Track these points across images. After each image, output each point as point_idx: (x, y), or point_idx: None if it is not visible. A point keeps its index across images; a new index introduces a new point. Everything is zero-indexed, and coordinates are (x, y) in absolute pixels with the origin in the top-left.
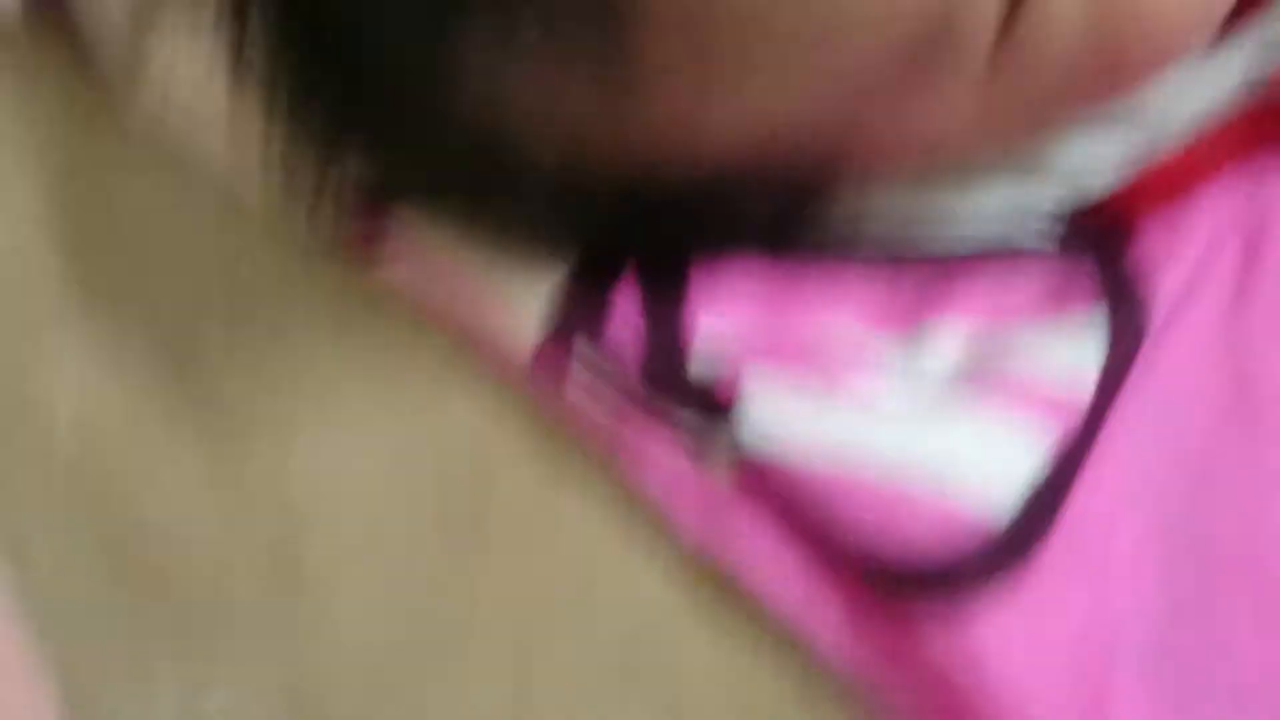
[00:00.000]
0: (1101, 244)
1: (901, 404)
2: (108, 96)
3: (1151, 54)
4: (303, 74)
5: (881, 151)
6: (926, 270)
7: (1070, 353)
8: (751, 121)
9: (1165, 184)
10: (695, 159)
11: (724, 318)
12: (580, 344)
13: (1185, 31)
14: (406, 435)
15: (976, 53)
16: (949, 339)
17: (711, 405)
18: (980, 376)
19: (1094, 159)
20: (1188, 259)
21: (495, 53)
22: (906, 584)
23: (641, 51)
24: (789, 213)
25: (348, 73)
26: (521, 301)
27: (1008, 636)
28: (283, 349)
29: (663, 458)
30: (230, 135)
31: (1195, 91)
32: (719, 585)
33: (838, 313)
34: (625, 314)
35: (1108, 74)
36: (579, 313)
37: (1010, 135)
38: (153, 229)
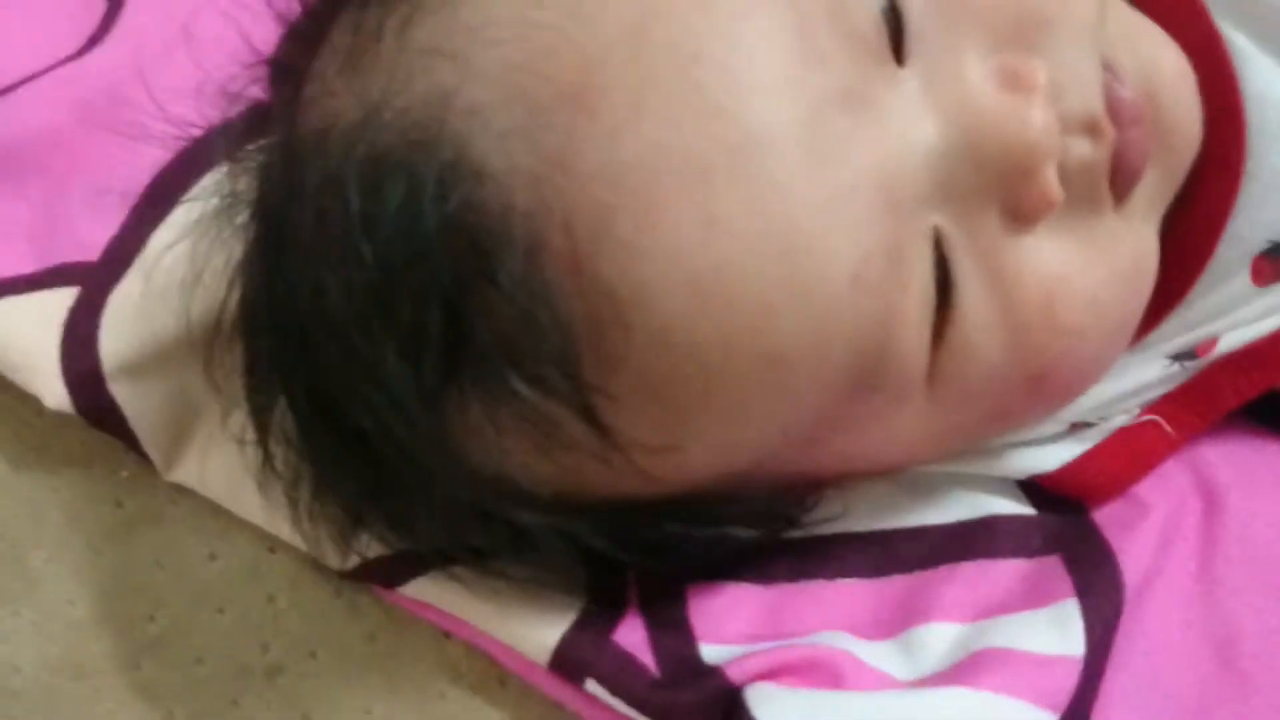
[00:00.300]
0: (1067, 529)
1: (902, 686)
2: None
3: (1073, 368)
4: (320, 470)
5: (848, 468)
6: (907, 579)
7: (1055, 636)
8: (722, 455)
9: (1118, 464)
10: (677, 489)
11: (725, 644)
12: (591, 679)
13: (1103, 344)
14: None
15: (912, 380)
16: (938, 641)
17: None
18: (974, 663)
19: (1043, 455)
20: (1151, 528)
21: (486, 433)
22: None
23: (615, 423)
24: (772, 528)
25: (360, 468)
26: (534, 640)
27: None
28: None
29: None
30: (263, 502)
31: (1128, 380)
32: None
33: (830, 626)
34: (630, 650)
35: (1035, 388)
36: (588, 650)
37: (960, 444)
38: (192, 581)
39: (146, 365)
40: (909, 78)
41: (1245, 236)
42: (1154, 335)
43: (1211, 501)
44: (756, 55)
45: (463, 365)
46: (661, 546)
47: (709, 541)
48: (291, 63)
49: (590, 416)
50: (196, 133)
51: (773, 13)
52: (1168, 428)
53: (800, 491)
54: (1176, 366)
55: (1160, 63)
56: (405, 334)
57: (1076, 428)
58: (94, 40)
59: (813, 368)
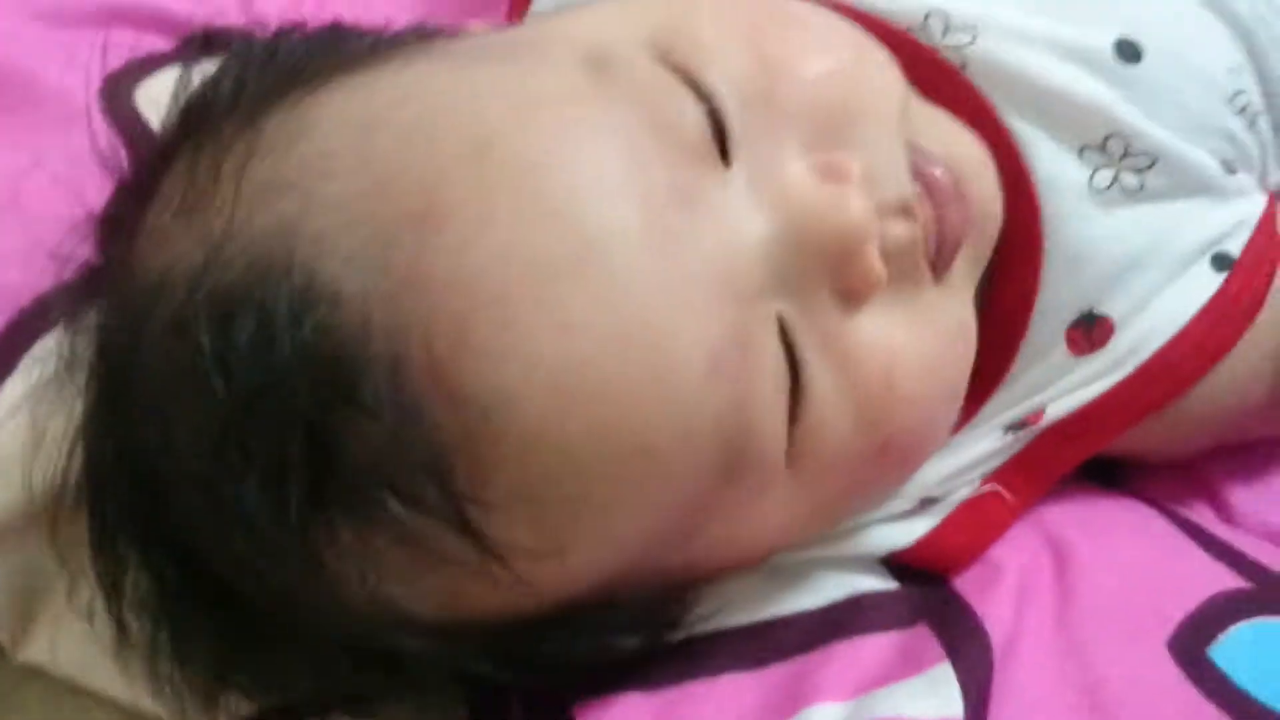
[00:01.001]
0: (931, 598)
1: None
2: None
3: (916, 432)
4: (179, 632)
5: (721, 560)
6: (787, 665)
7: (936, 699)
8: (601, 555)
9: (968, 534)
10: (559, 599)
11: None
12: None
13: (939, 407)
14: None
15: (775, 461)
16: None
17: None
18: None
19: (897, 532)
20: (1008, 588)
21: (360, 560)
22: None
23: (493, 531)
24: (654, 632)
25: (223, 623)
26: None
27: None
28: None
29: None
30: (121, 672)
31: (967, 454)
32: None
33: None
34: None
35: (884, 456)
36: None
37: (824, 524)
38: None
39: None
40: (735, 176)
41: (1054, 310)
42: (985, 411)
43: (1060, 556)
44: (590, 163)
45: (330, 492)
46: (545, 664)
47: (592, 653)
48: (123, 218)
49: (467, 528)
50: (24, 302)
51: (601, 126)
52: (1008, 495)
53: (677, 590)
54: (1010, 437)
55: (960, 147)
56: (265, 467)
57: (925, 503)
58: None
59: (680, 457)
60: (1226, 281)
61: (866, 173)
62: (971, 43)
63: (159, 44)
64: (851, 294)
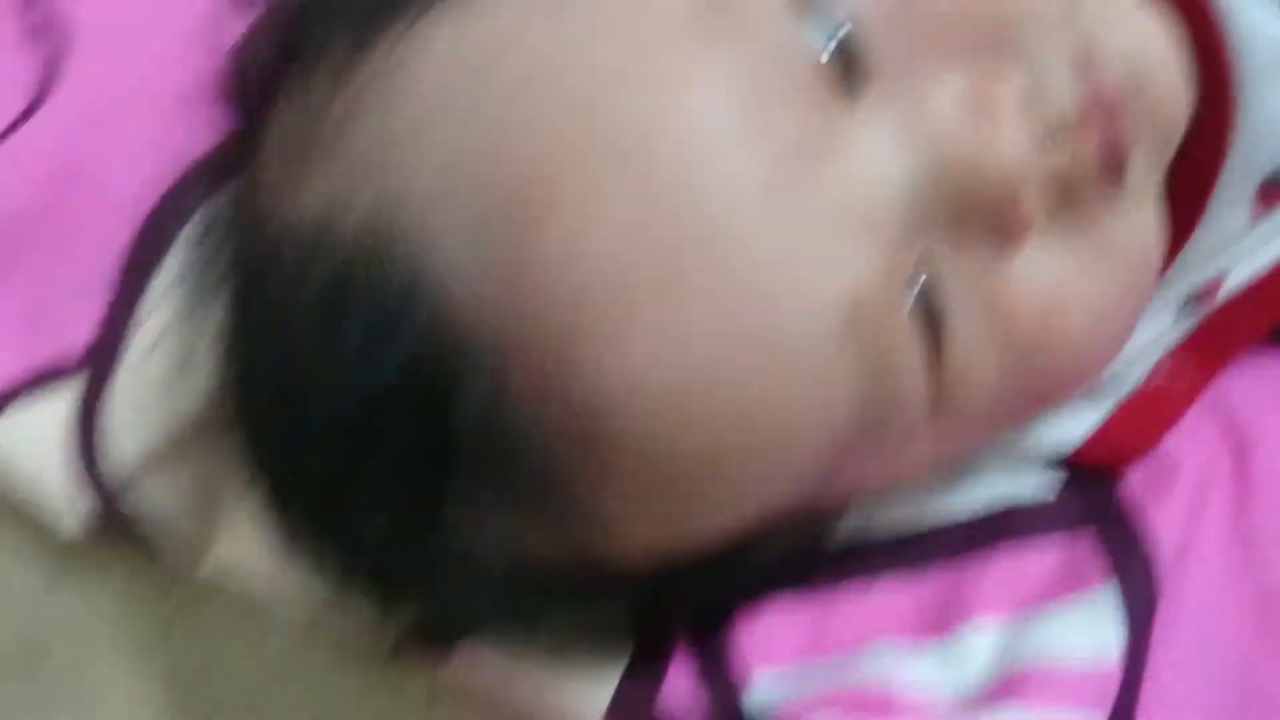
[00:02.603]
0: (1098, 505)
1: (948, 709)
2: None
3: (1076, 376)
4: (340, 556)
5: (861, 490)
6: (945, 572)
7: (1094, 631)
8: (730, 523)
9: (1141, 424)
10: (691, 557)
11: (775, 666)
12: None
13: (1106, 347)
14: None
15: (916, 414)
16: (981, 641)
17: None
18: (1018, 677)
19: (1064, 428)
20: (1182, 491)
21: (487, 540)
22: None
23: (613, 525)
24: (801, 547)
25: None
26: (583, 693)
27: None
28: None
29: None
30: (291, 588)
31: (1142, 334)
32: None
33: (877, 633)
34: (682, 686)
35: (1039, 399)
36: (640, 693)
37: (970, 451)
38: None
39: (167, 456)
40: (871, 111)
41: (1242, 172)
42: (1161, 282)
43: (1243, 445)
44: (704, 122)
45: (450, 486)
46: (688, 597)
47: (738, 582)
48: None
49: (589, 525)
50: (154, 200)
51: (715, 75)
52: (1187, 378)
53: (821, 518)
54: (1188, 310)
55: (1144, 39)
56: (381, 476)
57: (1095, 395)
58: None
59: (816, 429)
60: None
61: (1027, 89)
62: None
63: None
64: (1007, 236)
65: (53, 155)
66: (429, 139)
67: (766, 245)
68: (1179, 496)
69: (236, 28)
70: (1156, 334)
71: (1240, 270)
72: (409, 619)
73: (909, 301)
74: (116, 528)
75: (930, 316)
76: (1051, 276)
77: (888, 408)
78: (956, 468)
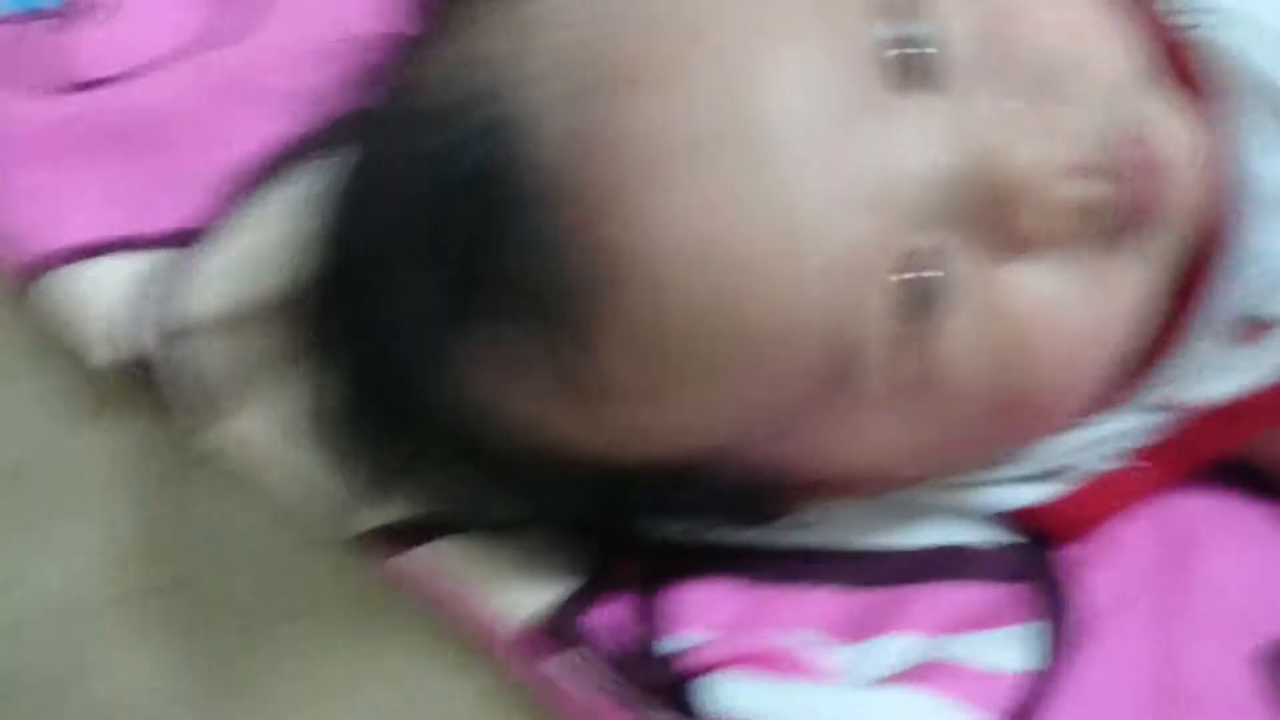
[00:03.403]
0: (1036, 561)
1: (852, 684)
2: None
3: (1048, 399)
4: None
5: (819, 471)
6: (883, 594)
7: (1007, 654)
8: (697, 421)
9: (1090, 508)
10: (653, 455)
11: (702, 629)
12: (569, 638)
13: (1081, 378)
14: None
15: (881, 383)
16: (899, 648)
17: (683, 703)
18: (921, 669)
19: (1017, 493)
20: (1118, 565)
21: (484, 363)
22: None
23: (604, 368)
24: (749, 519)
25: (375, 395)
26: (525, 598)
27: None
28: (309, 636)
29: None
30: (291, 469)
31: (1106, 428)
32: None
33: (803, 624)
34: (613, 612)
35: (1008, 414)
36: (574, 607)
37: (930, 468)
38: (220, 534)
39: (217, 326)
40: (936, 106)
41: (1226, 302)
42: (1135, 388)
43: (1182, 546)
44: (787, 60)
45: (474, 298)
46: (640, 509)
47: (687, 524)
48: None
49: (582, 356)
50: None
51: (812, 32)
52: (1145, 476)
53: (774, 490)
54: (1151, 417)
55: (1181, 136)
56: (427, 262)
57: (1053, 471)
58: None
59: (788, 347)
60: None
61: (1071, 131)
62: (1213, 25)
63: None
64: (1013, 241)
65: (237, 70)
66: (555, 23)
67: (798, 171)
68: (1116, 570)
69: None
70: (1121, 431)
71: (1211, 391)
72: (386, 510)
73: (897, 275)
74: (146, 376)
75: (922, 299)
76: (1044, 291)
77: (854, 361)
78: (911, 500)
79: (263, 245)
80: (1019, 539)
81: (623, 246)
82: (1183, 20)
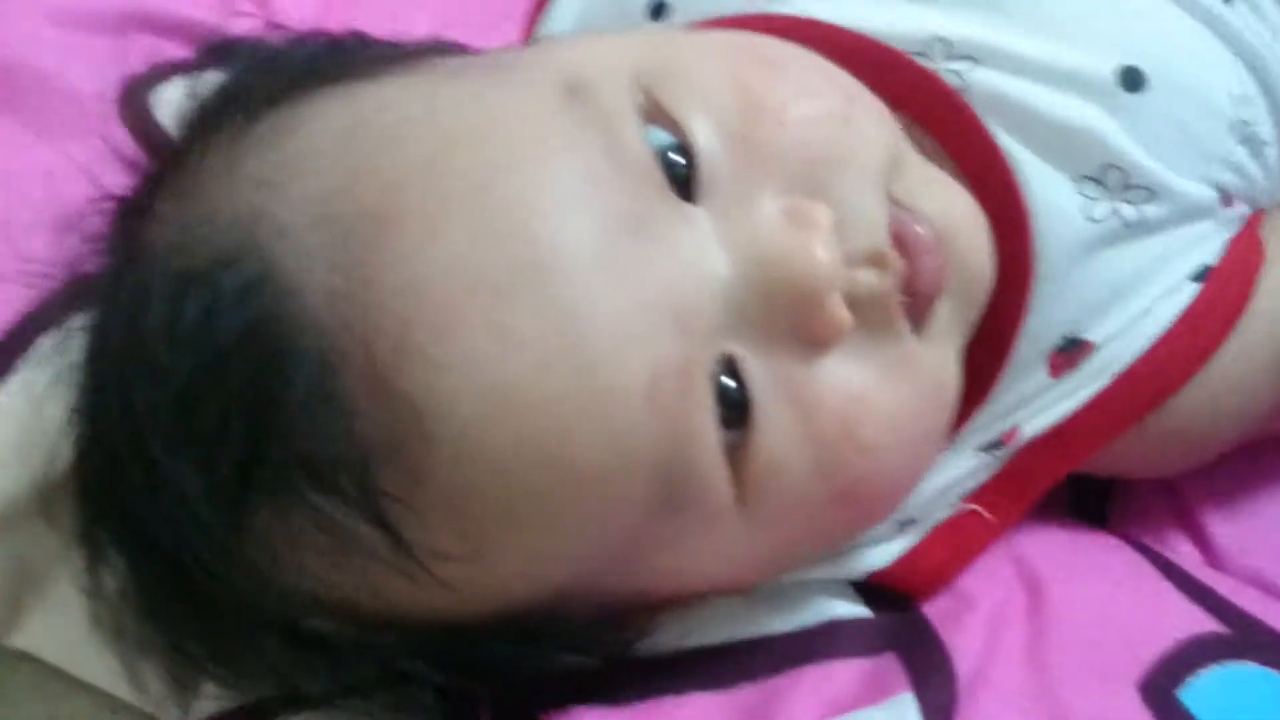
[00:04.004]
0: (901, 627)
1: None
2: None
3: (880, 484)
4: (144, 607)
5: (678, 588)
6: (756, 689)
7: None
8: (531, 569)
9: (944, 555)
10: (490, 606)
11: None
12: None
13: (906, 459)
14: None
15: (717, 499)
16: None
17: None
18: None
19: (874, 554)
20: (979, 620)
21: (285, 544)
22: None
23: (415, 533)
24: (606, 653)
25: (176, 598)
26: None
27: None
28: None
29: None
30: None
31: (943, 476)
32: None
33: None
34: None
35: (846, 504)
36: None
37: (788, 563)
38: None
39: None
40: (701, 214)
41: (1041, 334)
42: (963, 431)
43: (1035, 591)
44: (544, 180)
45: (258, 472)
46: (489, 672)
47: (541, 667)
48: (127, 209)
49: (384, 524)
50: (45, 286)
51: (562, 146)
52: (987, 515)
53: (632, 614)
54: (987, 456)
55: (952, 206)
56: (201, 443)
57: (903, 525)
58: None
59: (611, 479)
60: (1203, 289)
61: (839, 222)
62: (972, 69)
63: (179, 51)
64: (814, 340)
65: None
66: (303, 170)
67: (583, 298)
68: (976, 625)
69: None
70: (957, 477)
71: (1036, 422)
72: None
73: (710, 386)
74: None
75: (737, 406)
76: (854, 381)
77: (687, 478)
78: (771, 584)
79: (17, 433)
80: (881, 608)
81: (416, 402)
82: (943, 71)
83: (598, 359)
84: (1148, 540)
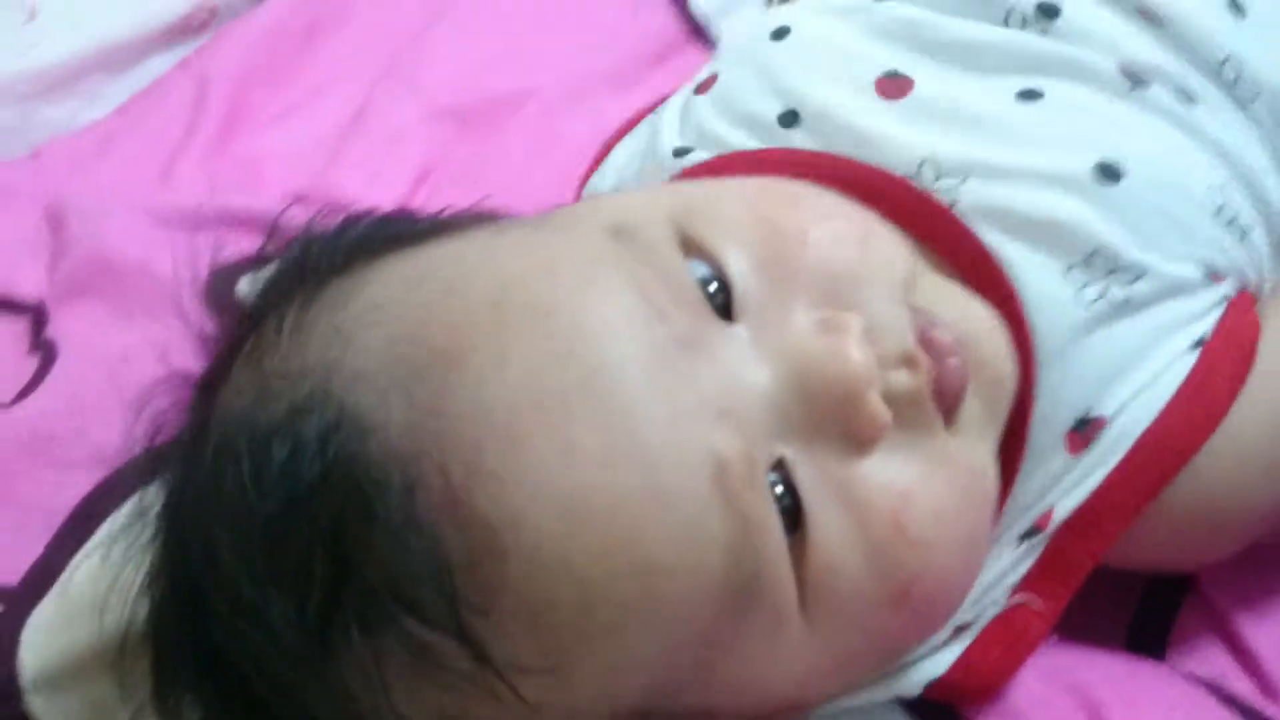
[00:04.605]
0: None
1: None
2: None
3: (935, 579)
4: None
5: (742, 705)
6: None
7: None
8: (607, 681)
9: (996, 649)
10: (565, 716)
11: None
12: None
13: (957, 553)
14: None
15: (784, 596)
16: None
17: None
18: None
19: (933, 664)
20: None
21: (370, 667)
22: None
23: (495, 648)
24: None
25: None
26: None
27: None
28: None
29: None
30: None
31: (988, 573)
32: None
33: None
34: None
35: (905, 603)
36: None
37: (852, 678)
38: None
39: (62, 679)
40: (740, 331)
41: (1053, 418)
42: (1000, 524)
43: (1095, 715)
44: (600, 309)
45: (346, 603)
46: None
47: None
48: (209, 379)
49: (468, 639)
50: (121, 460)
51: (613, 278)
52: (1037, 602)
53: None
54: (1026, 545)
55: (969, 311)
56: (289, 580)
57: (958, 631)
58: (25, 392)
59: (683, 575)
60: (1201, 355)
61: (868, 330)
62: (961, 184)
63: (246, 240)
64: (858, 438)
65: (32, 424)
66: (372, 322)
67: (641, 408)
68: None
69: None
70: (999, 573)
71: (1066, 503)
72: None
73: (768, 481)
74: None
75: (788, 511)
76: (899, 477)
77: (756, 575)
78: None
79: (94, 590)
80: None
81: (490, 519)
82: (934, 187)
83: (658, 454)
84: (1203, 674)
